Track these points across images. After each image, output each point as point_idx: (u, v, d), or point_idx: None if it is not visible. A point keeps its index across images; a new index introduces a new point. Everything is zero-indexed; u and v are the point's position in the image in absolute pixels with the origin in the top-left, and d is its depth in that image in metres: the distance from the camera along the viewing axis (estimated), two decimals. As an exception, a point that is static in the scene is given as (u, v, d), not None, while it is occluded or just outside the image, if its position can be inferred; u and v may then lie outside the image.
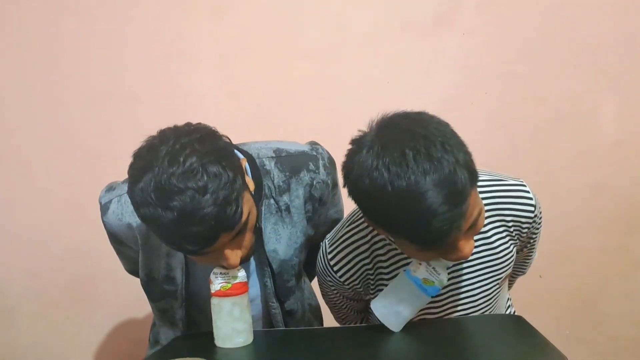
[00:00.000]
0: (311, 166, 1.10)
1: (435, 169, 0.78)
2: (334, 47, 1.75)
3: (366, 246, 1.05)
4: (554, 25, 1.72)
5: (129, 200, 1.08)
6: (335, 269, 1.07)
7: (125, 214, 1.10)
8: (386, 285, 1.04)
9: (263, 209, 1.07)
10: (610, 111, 1.74)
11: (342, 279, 1.07)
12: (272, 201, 1.08)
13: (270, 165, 1.08)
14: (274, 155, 1.10)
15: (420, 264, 0.95)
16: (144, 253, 1.12)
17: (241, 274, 0.98)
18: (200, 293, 1.10)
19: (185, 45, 1.77)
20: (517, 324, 1.02)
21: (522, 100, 1.74)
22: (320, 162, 1.12)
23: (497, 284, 1.06)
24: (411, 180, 0.77)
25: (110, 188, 1.15)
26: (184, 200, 0.82)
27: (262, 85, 1.77)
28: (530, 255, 1.20)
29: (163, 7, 1.76)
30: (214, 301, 0.98)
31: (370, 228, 1.04)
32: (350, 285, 1.08)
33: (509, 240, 1.04)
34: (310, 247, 1.18)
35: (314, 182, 1.10)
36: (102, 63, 1.78)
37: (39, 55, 1.79)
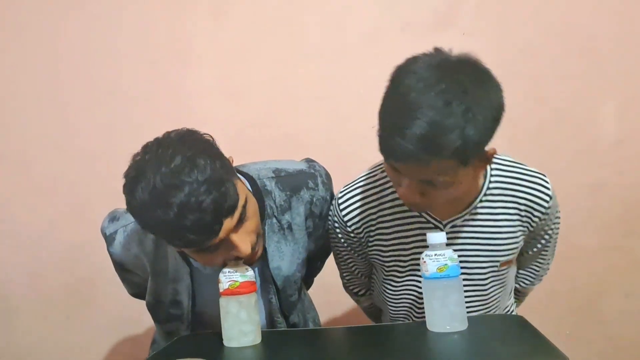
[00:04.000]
0: (310, 184, 1.14)
1: None
2: (334, 47, 1.75)
3: (375, 197, 1.09)
4: (554, 25, 1.72)
5: (135, 229, 1.11)
6: (342, 207, 1.11)
7: (133, 243, 1.12)
8: (383, 250, 1.10)
9: (266, 229, 1.09)
10: (610, 111, 1.74)
11: (346, 219, 1.11)
12: (274, 220, 1.10)
13: (271, 185, 1.11)
14: (273, 175, 1.12)
15: (424, 261, 0.96)
16: (153, 279, 1.13)
17: (249, 273, 0.98)
18: (207, 312, 1.12)
19: (185, 45, 1.77)
20: (519, 323, 1.02)
21: (522, 100, 1.74)
22: (319, 178, 1.15)
23: (494, 266, 1.07)
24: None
25: (113, 218, 1.17)
26: (181, 194, 0.85)
27: (262, 85, 1.77)
28: (544, 258, 1.20)
29: (163, 7, 1.76)
30: (222, 301, 0.99)
31: (384, 184, 1.09)
32: (353, 228, 1.11)
33: (518, 225, 1.06)
34: (308, 260, 1.20)
35: (314, 199, 1.14)
36: (101, 63, 1.78)
37: (39, 55, 1.79)
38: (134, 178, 0.89)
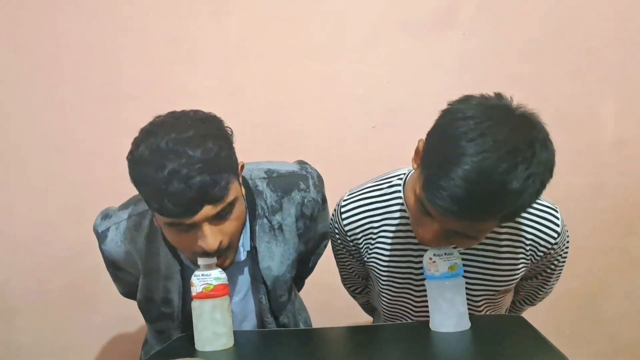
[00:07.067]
0: (302, 185, 1.14)
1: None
2: (334, 47, 1.75)
3: (380, 211, 1.08)
4: (554, 25, 1.72)
5: (127, 226, 1.11)
6: (344, 216, 1.11)
7: (125, 240, 1.12)
8: (380, 264, 1.08)
9: (257, 229, 1.09)
10: (610, 111, 1.74)
11: (346, 229, 1.11)
12: (265, 221, 1.11)
13: (262, 186, 1.12)
14: (265, 176, 1.13)
15: (433, 261, 0.96)
16: (144, 277, 1.13)
17: (223, 275, 0.98)
18: None
19: (186, 45, 1.77)
20: (518, 323, 1.02)
21: (522, 101, 1.73)
22: (310, 180, 1.15)
23: (492, 295, 1.06)
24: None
25: (105, 215, 1.16)
26: (177, 161, 0.87)
27: (262, 86, 1.77)
28: (547, 285, 1.18)
29: (163, 7, 1.76)
30: (195, 304, 0.98)
31: (391, 199, 1.07)
32: (352, 237, 1.11)
33: (522, 259, 1.04)
34: (298, 261, 1.20)
35: (305, 201, 1.14)
36: (101, 63, 1.78)
37: (39, 55, 1.79)
38: (145, 134, 0.92)
